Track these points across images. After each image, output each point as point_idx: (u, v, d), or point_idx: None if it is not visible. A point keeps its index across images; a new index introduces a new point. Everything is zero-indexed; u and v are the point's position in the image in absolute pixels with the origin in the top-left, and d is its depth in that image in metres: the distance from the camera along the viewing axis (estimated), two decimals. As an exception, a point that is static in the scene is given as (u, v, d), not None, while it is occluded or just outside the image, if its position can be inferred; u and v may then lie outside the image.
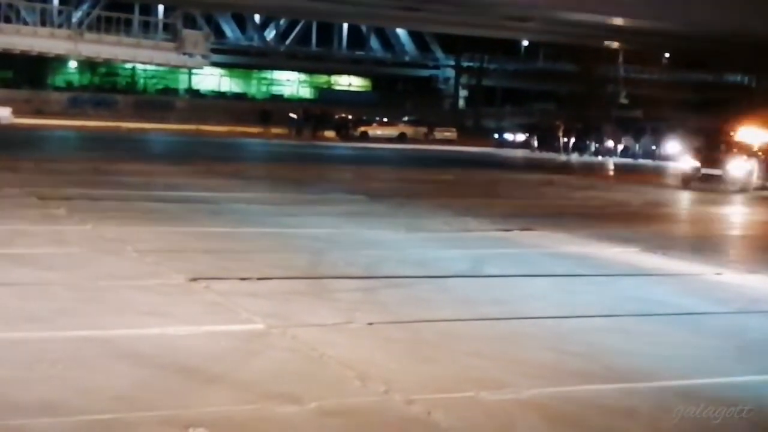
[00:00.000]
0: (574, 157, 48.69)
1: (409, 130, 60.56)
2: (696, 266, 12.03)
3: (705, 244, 14.58)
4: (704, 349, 7.65)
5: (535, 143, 53.19)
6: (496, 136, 59.67)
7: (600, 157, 48.74)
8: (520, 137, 56.40)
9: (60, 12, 64.25)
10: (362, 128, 59.51)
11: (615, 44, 67.99)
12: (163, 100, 76.88)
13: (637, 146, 50.28)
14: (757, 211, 21.72)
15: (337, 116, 62.69)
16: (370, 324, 7.81)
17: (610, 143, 50.95)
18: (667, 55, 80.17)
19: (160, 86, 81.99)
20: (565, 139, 51.88)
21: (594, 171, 36.92)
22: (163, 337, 7.12)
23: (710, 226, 18.33)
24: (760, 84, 79.05)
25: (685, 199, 24.51)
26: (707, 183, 26.99)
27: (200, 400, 5.67)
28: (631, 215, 18.69)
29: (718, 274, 11.48)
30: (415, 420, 5.55)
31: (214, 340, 7.12)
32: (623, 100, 79.50)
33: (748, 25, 49.06)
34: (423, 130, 61.52)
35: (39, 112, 62.84)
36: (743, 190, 26.02)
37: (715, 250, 13.83)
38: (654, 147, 49.81)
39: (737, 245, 15.63)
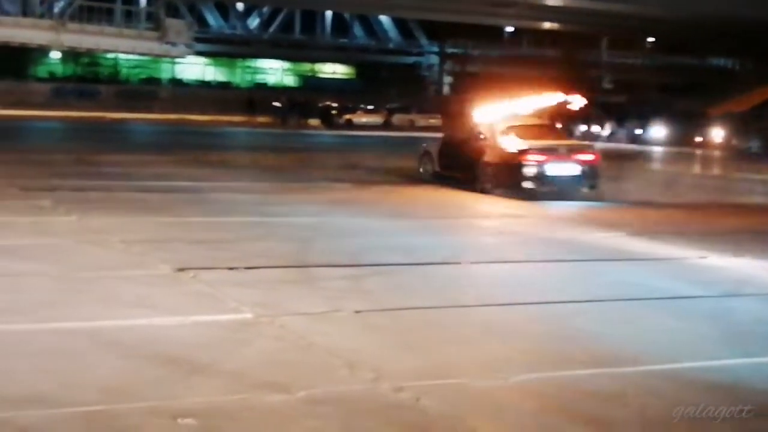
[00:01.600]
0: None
1: (394, 118, 60.58)
2: (681, 250, 12.07)
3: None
4: (691, 332, 7.68)
5: None
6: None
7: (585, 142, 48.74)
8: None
9: (41, 2, 63.76)
10: (347, 116, 59.41)
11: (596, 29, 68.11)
12: (146, 90, 76.44)
13: (621, 131, 50.41)
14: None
15: (321, 104, 62.51)
16: (358, 312, 7.81)
17: (595, 128, 51.02)
18: (650, 39, 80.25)
19: (143, 76, 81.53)
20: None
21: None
22: (150, 328, 7.11)
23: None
24: (742, 67, 79.22)
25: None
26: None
27: (188, 391, 5.67)
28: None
29: (702, 257, 11.53)
30: (403, 407, 5.56)
31: (201, 330, 7.11)
32: (607, 85, 79.57)
33: (729, 10, 49.19)
34: (407, 117, 61.51)
35: (21, 104, 62.40)
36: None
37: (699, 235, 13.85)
38: (638, 131, 49.93)
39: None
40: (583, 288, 9.41)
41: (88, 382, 5.78)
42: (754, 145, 42.15)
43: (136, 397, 5.51)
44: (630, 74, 74.34)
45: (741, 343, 7.41)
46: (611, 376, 6.33)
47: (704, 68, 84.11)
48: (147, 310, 7.58)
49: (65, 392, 5.55)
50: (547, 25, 65.93)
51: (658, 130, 49.68)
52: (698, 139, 47.50)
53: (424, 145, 21.60)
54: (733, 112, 51.92)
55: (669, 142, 47.62)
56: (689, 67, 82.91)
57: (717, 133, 47.72)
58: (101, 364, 6.16)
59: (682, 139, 48.01)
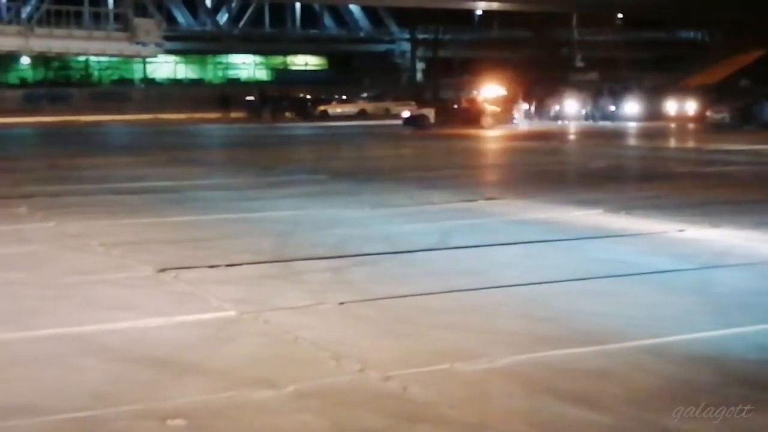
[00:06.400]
0: (534, 122, 48.84)
1: (368, 107, 60.46)
2: (660, 224, 12.13)
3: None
4: (673, 306, 7.73)
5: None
6: (456, 106, 59.64)
7: (560, 122, 48.91)
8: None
9: (9, 8, 63.33)
10: (322, 107, 59.27)
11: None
12: (118, 91, 76.01)
13: (594, 109, 50.57)
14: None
15: (295, 96, 62.32)
16: (342, 303, 7.81)
17: (569, 107, 51.15)
18: (620, 15, 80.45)
19: (114, 77, 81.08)
20: (525, 106, 52.04)
21: (552, 136, 37.07)
22: (135, 331, 7.09)
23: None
24: (712, 39, 79.55)
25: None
26: None
27: (176, 391, 5.66)
28: (590, 177, 18.79)
29: (681, 231, 11.59)
30: (391, 396, 5.57)
31: (186, 330, 7.10)
32: (579, 63, 79.71)
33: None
34: (383, 105, 61.33)
35: (-6, 112, 61.99)
36: None
37: (676, 207, 13.91)
38: (612, 108, 50.10)
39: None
40: (566, 267, 9.44)
41: (75, 388, 5.76)
42: (727, 116, 42.41)
43: (124, 400, 5.50)
44: (601, 51, 74.47)
45: (725, 314, 7.46)
46: (597, 354, 6.36)
47: (674, 42, 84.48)
48: (131, 313, 7.56)
49: (53, 400, 5.53)
50: (514, 6, 65.93)
51: (632, 106, 49.88)
52: (672, 113, 47.76)
53: None
54: (705, 85, 52.16)
55: (643, 118, 47.79)
56: (659, 41, 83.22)
57: (690, 106, 47.98)
58: (88, 369, 6.14)
59: (655, 114, 48.23)
